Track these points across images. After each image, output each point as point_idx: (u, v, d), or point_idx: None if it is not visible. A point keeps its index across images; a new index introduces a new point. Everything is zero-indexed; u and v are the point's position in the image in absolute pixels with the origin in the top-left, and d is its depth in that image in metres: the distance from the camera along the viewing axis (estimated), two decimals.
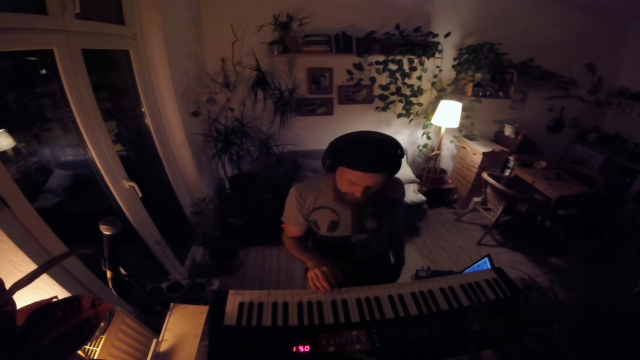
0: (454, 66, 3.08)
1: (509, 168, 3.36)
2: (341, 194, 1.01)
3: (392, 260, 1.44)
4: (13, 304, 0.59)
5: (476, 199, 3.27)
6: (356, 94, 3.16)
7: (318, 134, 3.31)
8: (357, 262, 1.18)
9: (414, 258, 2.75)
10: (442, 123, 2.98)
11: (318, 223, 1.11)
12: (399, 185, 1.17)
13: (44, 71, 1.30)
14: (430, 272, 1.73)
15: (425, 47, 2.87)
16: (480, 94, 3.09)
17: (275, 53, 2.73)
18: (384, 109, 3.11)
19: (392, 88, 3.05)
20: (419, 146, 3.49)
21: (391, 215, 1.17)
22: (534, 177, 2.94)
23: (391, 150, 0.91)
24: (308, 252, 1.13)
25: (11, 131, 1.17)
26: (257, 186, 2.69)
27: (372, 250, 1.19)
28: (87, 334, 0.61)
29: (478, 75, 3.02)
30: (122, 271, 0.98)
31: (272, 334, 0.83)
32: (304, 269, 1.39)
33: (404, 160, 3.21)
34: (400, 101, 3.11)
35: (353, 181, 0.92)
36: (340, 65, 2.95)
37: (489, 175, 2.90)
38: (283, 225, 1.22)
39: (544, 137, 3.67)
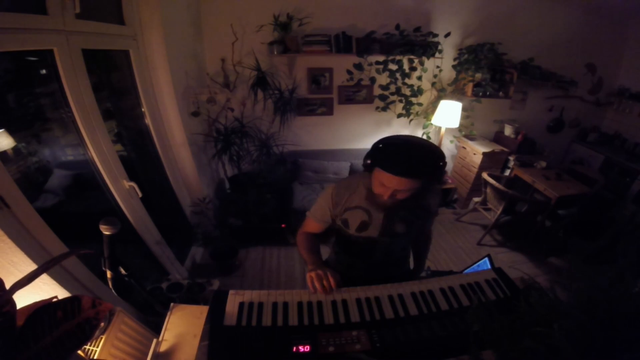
0: (454, 66, 3.08)
1: (509, 168, 3.36)
2: (372, 195, 1.02)
3: (412, 265, 1.43)
4: (13, 304, 0.59)
5: (476, 199, 3.27)
6: (356, 94, 3.16)
7: (318, 134, 3.31)
8: (374, 262, 1.19)
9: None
10: (442, 123, 2.98)
11: (349, 222, 1.11)
12: (436, 194, 1.16)
13: (44, 71, 1.30)
14: (430, 272, 1.72)
15: (425, 47, 2.87)
16: (480, 94, 3.09)
17: (275, 53, 2.73)
18: (384, 109, 3.11)
19: (392, 88, 3.05)
20: None
21: (423, 221, 1.17)
22: (534, 177, 2.94)
23: (426, 158, 0.90)
24: (314, 254, 1.13)
25: (11, 131, 1.17)
26: (257, 186, 2.69)
27: (392, 253, 1.20)
28: (87, 334, 0.61)
29: (478, 75, 3.02)
30: (122, 271, 0.98)
31: (272, 334, 0.83)
32: (306, 270, 1.40)
33: None
34: (400, 101, 3.11)
35: (383, 183, 0.92)
36: (340, 65, 2.95)
37: (489, 175, 2.90)
38: (306, 219, 1.23)
39: (544, 137, 3.67)
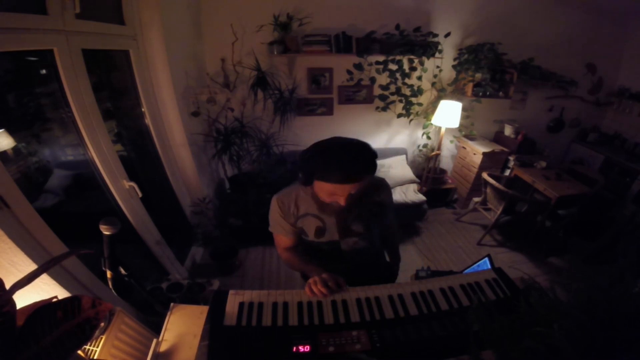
0: (454, 66, 3.08)
1: (509, 168, 3.36)
2: (324, 204, 1.01)
3: (388, 259, 1.43)
4: (13, 304, 0.59)
5: (476, 199, 3.27)
6: (356, 94, 3.16)
7: (318, 134, 3.26)
8: (351, 265, 1.17)
9: (414, 258, 2.75)
10: (442, 123, 2.98)
11: (305, 230, 1.11)
12: (385, 187, 1.16)
13: (44, 71, 1.30)
14: (430, 272, 1.72)
15: (425, 47, 2.87)
16: (480, 94, 3.09)
17: (275, 53, 2.73)
18: (384, 109, 3.11)
19: (392, 88, 3.04)
20: (419, 146, 3.49)
21: (380, 217, 1.16)
22: (534, 177, 2.94)
23: (363, 154, 0.90)
24: (312, 264, 1.08)
25: (11, 131, 1.17)
26: (257, 186, 2.69)
27: (362, 253, 1.18)
28: (87, 334, 0.61)
29: (478, 75, 3.02)
30: (122, 271, 0.98)
31: (272, 334, 0.83)
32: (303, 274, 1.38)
33: (404, 160, 3.26)
34: (400, 101, 3.11)
35: (334, 192, 0.91)
36: (340, 65, 2.95)
37: (489, 175, 2.90)
38: (274, 237, 1.20)
39: (544, 137, 3.67)
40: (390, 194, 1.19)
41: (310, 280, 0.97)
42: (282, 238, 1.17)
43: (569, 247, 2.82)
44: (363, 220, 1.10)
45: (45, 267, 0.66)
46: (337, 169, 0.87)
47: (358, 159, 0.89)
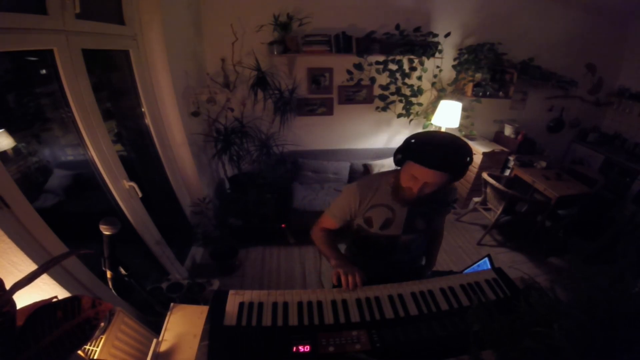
0: (454, 66, 3.08)
1: (509, 168, 3.36)
2: (399, 189, 1.05)
3: (423, 261, 1.44)
4: (13, 304, 0.59)
5: (476, 199, 3.26)
6: (356, 94, 3.16)
7: (318, 134, 3.31)
8: (392, 261, 1.20)
9: None
10: (442, 123, 2.98)
11: (372, 220, 1.13)
12: (454, 190, 1.21)
13: (44, 71, 1.30)
14: (430, 272, 1.72)
15: (425, 47, 2.87)
16: (480, 94, 3.09)
17: (275, 53, 2.73)
18: (384, 109, 3.11)
19: (392, 88, 3.04)
20: None
21: (442, 216, 1.22)
22: (534, 177, 2.94)
23: (458, 154, 0.94)
24: (335, 250, 1.15)
25: (11, 131, 1.17)
26: (257, 186, 2.69)
27: (410, 251, 1.22)
28: (87, 334, 0.61)
29: (478, 75, 3.02)
30: (122, 271, 0.98)
31: (272, 334, 0.83)
32: (318, 268, 1.41)
33: None
34: (400, 101, 3.11)
35: (415, 175, 0.96)
36: (340, 65, 2.95)
37: (489, 175, 2.90)
38: (323, 216, 1.24)
39: (544, 137, 3.67)
40: (455, 197, 1.24)
41: (341, 271, 0.99)
42: (331, 221, 1.21)
43: (569, 247, 2.82)
44: (427, 218, 1.15)
45: (45, 267, 0.66)
46: (431, 154, 0.92)
47: (454, 154, 0.94)
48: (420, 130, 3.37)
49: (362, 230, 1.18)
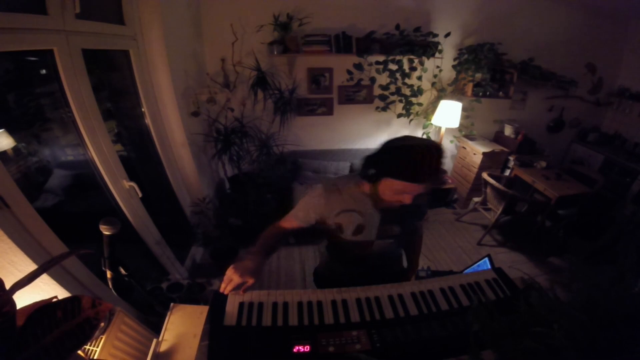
0: (454, 66, 3.08)
1: (509, 168, 3.36)
2: (378, 202, 1.00)
3: (405, 264, 1.42)
4: (13, 304, 0.59)
5: (476, 199, 3.27)
6: (356, 94, 3.16)
7: (318, 134, 3.31)
8: (370, 266, 1.17)
9: None
10: (442, 123, 2.98)
11: (342, 226, 1.07)
12: (427, 191, 1.16)
13: (44, 71, 1.30)
14: (430, 272, 1.72)
15: (425, 47, 2.87)
16: (480, 94, 3.09)
17: (275, 53, 2.73)
18: (384, 109, 3.11)
19: (392, 88, 3.04)
20: None
21: (416, 219, 1.17)
22: (534, 177, 2.94)
23: (436, 156, 0.87)
24: (262, 249, 1.05)
25: (11, 131, 1.17)
26: (257, 186, 2.69)
27: (386, 256, 1.18)
28: (87, 334, 0.61)
29: (478, 75, 3.02)
30: (122, 271, 0.98)
31: (272, 334, 0.83)
32: (314, 268, 1.38)
33: None
34: (400, 101, 3.11)
35: (403, 191, 0.90)
36: (340, 65, 2.95)
37: (489, 175, 2.90)
38: (286, 218, 1.15)
39: (544, 137, 3.67)
40: (428, 198, 1.17)
41: (233, 270, 0.93)
42: (293, 222, 1.12)
43: (569, 247, 2.82)
44: (402, 222, 1.10)
45: (45, 267, 0.66)
46: (415, 168, 0.85)
47: (434, 159, 0.86)
48: (420, 130, 3.37)
49: (334, 235, 1.12)
